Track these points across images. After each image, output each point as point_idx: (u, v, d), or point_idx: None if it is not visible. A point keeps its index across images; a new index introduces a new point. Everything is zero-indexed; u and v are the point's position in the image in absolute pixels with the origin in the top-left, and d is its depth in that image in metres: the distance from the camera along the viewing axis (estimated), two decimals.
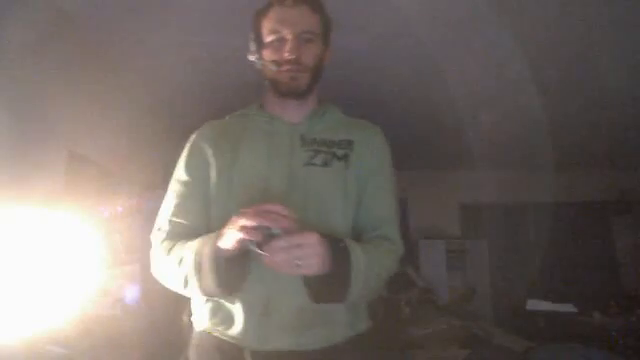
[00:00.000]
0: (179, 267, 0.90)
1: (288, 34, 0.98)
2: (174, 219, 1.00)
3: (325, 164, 1.00)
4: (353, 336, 0.98)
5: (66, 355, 1.87)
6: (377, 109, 3.45)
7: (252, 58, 1.04)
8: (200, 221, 1.00)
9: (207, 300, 0.98)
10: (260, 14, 1.03)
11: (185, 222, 1.00)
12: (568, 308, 3.43)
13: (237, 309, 0.94)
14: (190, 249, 0.89)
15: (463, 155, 4.56)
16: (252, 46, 1.04)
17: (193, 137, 1.08)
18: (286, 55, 0.98)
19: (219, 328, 0.96)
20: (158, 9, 2.19)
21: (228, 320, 0.95)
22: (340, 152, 1.02)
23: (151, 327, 2.55)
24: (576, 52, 2.65)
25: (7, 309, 1.86)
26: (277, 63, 0.99)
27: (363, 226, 1.02)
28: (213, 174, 1.01)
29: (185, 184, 1.03)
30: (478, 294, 4.52)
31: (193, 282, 0.88)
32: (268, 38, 1.00)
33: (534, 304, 3.56)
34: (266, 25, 1.01)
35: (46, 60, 2.31)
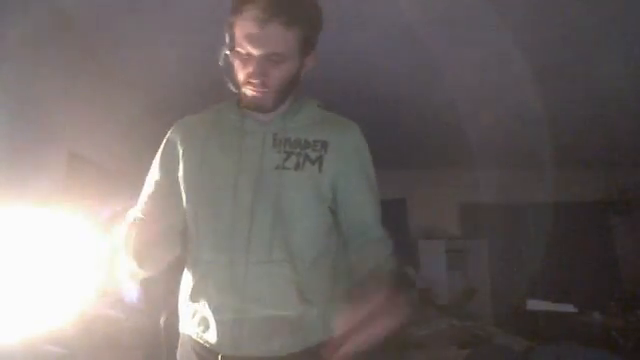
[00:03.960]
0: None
1: (254, 54, 0.90)
2: (139, 216, 1.01)
3: (297, 167, 0.96)
4: (326, 340, 0.98)
5: (66, 355, 1.87)
6: (377, 109, 3.46)
7: (219, 61, 0.97)
8: (165, 220, 1.01)
9: (187, 304, 1.00)
10: (234, 11, 0.91)
11: (148, 221, 1.01)
12: (568, 308, 3.43)
13: (211, 315, 0.95)
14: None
15: (463, 154, 4.56)
16: (226, 40, 0.95)
17: (168, 134, 1.07)
18: (249, 77, 0.92)
19: (197, 331, 0.98)
20: (158, 9, 2.19)
21: (204, 325, 0.96)
22: (313, 154, 0.98)
23: (151, 327, 2.55)
24: (576, 52, 2.65)
25: (7, 309, 1.86)
26: (241, 81, 0.94)
27: (349, 233, 1.02)
28: (182, 173, 1.01)
29: (156, 184, 1.04)
30: (478, 294, 4.52)
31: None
32: (237, 48, 0.92)
33: (534, 304, 3.57)
34: (237, 32, 0.91)
35: (46, 60, 2.31)
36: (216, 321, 0.94)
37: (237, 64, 0.94)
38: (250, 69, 0.92)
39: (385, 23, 2.32)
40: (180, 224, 1.01)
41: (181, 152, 1.02)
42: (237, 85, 0.96)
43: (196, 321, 0.98)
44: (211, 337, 0.95)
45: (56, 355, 1.85)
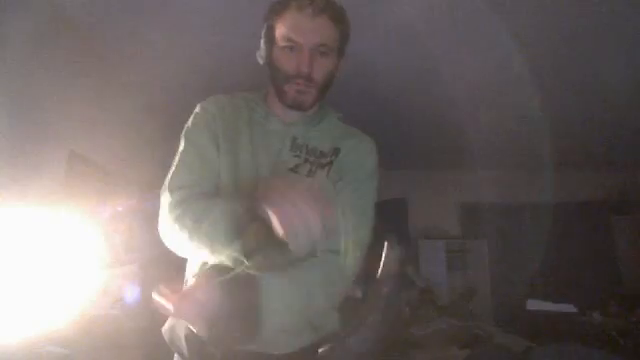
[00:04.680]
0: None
1: (303, 45, 0.93)
2: (199, 188, 0.96)
3: (309, 174, 0.98)
4: (318, 340, 0.97)
5: (66, 355, 1.87)
6: (377, 109, 3.46)
7: (260, 60, 1.01)
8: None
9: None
10: (275, 12, 0.96)
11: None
12: (568, 308, 3.43)
13: None
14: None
15: (463, 155, 4.56)
16: (263, 42, 0.99)
17: (204, 107, 1.04)
18: (299, 68, 0.94)
19: None
20: (158, 9, 2.19)
21: None
22: (325, 160, 1.01)
23: (151, 327, 2.55)
24: (576, 52, 2.65)
25: (7, 309, 1.86)
26: (287, 77, 0.96)
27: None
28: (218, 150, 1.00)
29: (210, 159, 0.99)
30: (478, 294, 4.52)
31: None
32: (281, 43, 0.95)
33: (534, 304, 3.56)
34: (280, 28, 0.95)
35: (46, 60, 2.31)
36: None
37: (281, 59, 0.96)
38: (297, 61, 0.94)
39: (385, 23, 2.32)
40: None
41: (218, 128, 1.01)
42: (281, 82, 0.97)
43: None
44: None
45: (56, 355, 1.85)
